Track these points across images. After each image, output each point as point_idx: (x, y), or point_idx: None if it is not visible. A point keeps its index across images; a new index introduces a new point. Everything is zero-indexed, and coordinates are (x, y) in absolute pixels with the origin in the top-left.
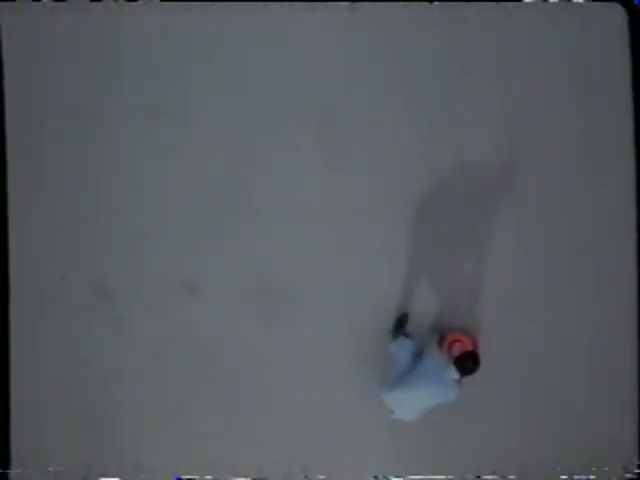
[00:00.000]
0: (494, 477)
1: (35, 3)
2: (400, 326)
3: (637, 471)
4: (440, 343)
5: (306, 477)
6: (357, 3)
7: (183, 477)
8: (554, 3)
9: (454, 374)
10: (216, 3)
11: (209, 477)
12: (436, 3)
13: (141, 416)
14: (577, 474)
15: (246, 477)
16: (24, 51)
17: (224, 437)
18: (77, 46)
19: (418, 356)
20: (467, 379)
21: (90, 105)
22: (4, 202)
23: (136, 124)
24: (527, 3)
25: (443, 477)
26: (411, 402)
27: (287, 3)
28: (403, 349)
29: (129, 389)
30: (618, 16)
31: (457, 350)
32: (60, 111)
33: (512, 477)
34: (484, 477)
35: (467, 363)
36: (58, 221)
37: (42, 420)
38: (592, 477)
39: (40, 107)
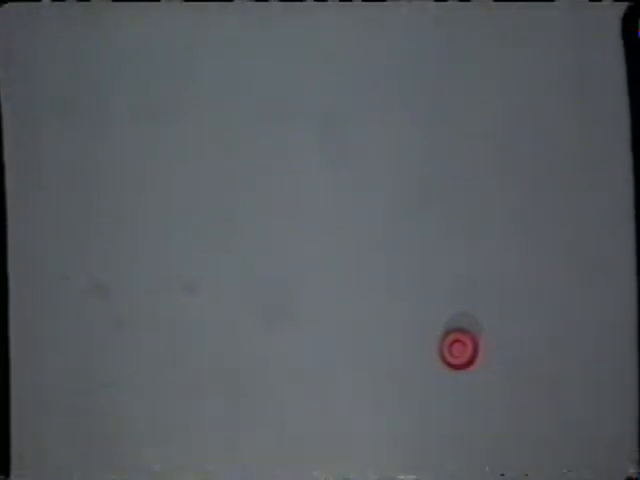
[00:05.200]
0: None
1: (33, 3)
2: None
3: (637, 471)
4: (441, 343)
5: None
6: (357, 3)
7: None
8: (554, 3)
9: None
10: (216, 3)
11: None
12: (436, 3)
13: (141, 417)
14: (577, 475)
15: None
16: (22, 51)
17: (224, 437)
18: (76, 46)
19: None
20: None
21: (89, 105)
22: (3, 202)
23: (135, 124)
24: (527, 3)
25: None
26: None
27: (288, 3)
28: None
29: (129, 390)
30: (617, 16)
31: (457, 351)
32: (59, 111)
33: (511, 478)
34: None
35: None
36: (57, 221)
37: (42, 422)
38: (592, 478)
39: (39, 107)
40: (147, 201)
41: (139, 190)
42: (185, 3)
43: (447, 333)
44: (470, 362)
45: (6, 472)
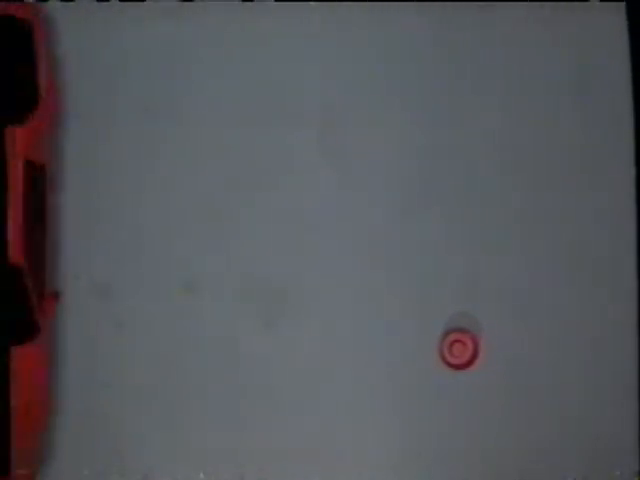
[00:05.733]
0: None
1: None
2: None
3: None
4: (441, 343)
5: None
6: (357, 3)
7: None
8: (554, 3)
9: None
10: (216, 3)
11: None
12: (436, 3)
13: (141, 417)
14: (577, 475)
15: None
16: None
17: (224, 438)
18: (78, 46)
19: None
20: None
21: (91, 105)
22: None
23: (137, 124)
24: (527, 3)
25: None
26: None
27: (287, 3)
28: None
29: (129, 391)
30: (618, 16)
31: (457, 351)
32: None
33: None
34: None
35: None
36: (60, 221)
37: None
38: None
39: None
40: (148, 202)
41: (140, 191)
42: (185, 4)
43: (447, 333)
44: (470, 362)
45: (6, 472)
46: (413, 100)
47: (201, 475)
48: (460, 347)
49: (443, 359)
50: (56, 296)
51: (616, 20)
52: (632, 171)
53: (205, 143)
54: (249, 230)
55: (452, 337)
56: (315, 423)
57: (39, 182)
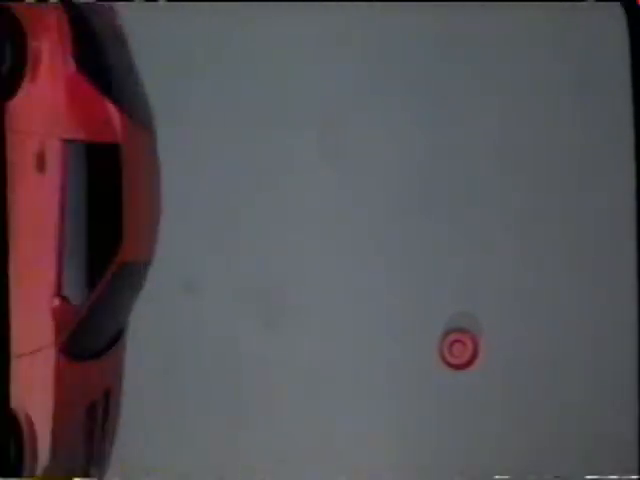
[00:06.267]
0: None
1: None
2: None
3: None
4: (441, 343)
5: None
6: (357, 3)
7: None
8: (554, 3)
9: None
10: (217, 3)
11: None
12: (436, 3)
13: (141, 417)
14: (577, 475)
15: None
16: None
17: (224, 438)
18: None
19: None
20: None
21: None
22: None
23: None
24: (527, 3)
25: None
26: None
27: (287, 3)
28: None
29: (130, 391)
30: (618, 16)
31: (457, 351)
32: None
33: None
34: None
35: None
36: None
37: None
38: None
39: None
40: None
41: None
42: (185, 4)
43: (447, 333)
44: (470, 362)
45: (6, 472)
46: (413, 100)
47: (201, 475)
48: (460, 347)
49: (443, 359)
50: None
51: (616, 20)
52: (632, 171)
53: (205, 143)
54: (249, 230)
55: (452, 337)
56: (315, 423)
57: None
